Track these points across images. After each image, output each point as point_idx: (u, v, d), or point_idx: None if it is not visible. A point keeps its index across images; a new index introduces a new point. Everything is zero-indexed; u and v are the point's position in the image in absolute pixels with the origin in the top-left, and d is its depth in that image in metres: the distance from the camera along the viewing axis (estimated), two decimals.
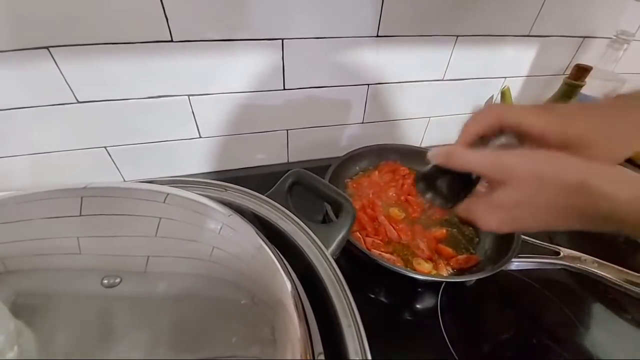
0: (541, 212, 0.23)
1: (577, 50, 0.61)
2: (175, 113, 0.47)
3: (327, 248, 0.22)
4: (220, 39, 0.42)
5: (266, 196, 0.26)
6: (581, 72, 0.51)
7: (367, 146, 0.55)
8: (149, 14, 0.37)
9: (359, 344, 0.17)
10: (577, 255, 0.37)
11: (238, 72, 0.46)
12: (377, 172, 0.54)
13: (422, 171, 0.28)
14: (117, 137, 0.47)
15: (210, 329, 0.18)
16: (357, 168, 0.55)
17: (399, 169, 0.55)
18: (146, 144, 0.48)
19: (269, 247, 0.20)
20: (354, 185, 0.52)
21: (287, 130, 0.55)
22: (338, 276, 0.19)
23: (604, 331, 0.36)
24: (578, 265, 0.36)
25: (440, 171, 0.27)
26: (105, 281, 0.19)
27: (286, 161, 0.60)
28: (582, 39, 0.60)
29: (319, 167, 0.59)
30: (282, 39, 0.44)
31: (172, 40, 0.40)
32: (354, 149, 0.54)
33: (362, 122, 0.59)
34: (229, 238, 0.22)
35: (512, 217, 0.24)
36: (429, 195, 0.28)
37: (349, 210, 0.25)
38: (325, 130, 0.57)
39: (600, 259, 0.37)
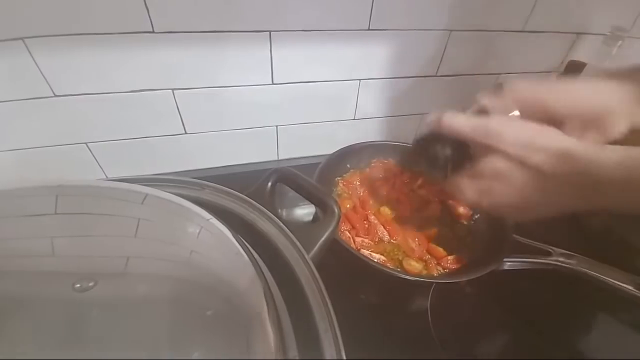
0: (523, 184, 0.22)
1: (571, 47, 0.61)
2: (159, 108, 0.45)
3: (309, 250, 0.21)
4: (204, 30, 0.40)
5: (247, 195, 0.25)
6: (575, 68, 0.51)
7: (359, 143, 0.54)
8: (128, 3, 0.36)
9: (335, 348, 0.16)
10: (569, 255, 0.36)
11: (224, 65, 0.44)
12: (368, 170, 0.53)
13: (416, 137, 0.28)
14: (98, 132, 0.45)
15: (182, 337, 0.17)
16: (349, 166, 0.54)
17: (391, 167, 0.54)
18: (128, 140, 0.47)
19: (246, 252, 0.19)
20: (345, 183, 0.51)
21: (276, 126, 0.54)
22: (317, 280, 0.18)
23: (596, 331, 0.36)
24: (570, 265, 0.35)
25: (435, 140, 0.26)
26: (78, 285, 0.18)
27: (276, 158, 0.58)
28: (576, 35, 0.59)
29: (310, 164, 0.57)
30: (270, 31, 0.43)
31: (153, 32, 0.38)
32: (345, 145, 0.53)
33: (354, 119, 0.57)
34: (206, 243, 0.21)
35: (492, 189, 0.23)
36: (417, 164, 0.29)
37: (333, 211, 0.24)
38: (316, 127, 0.56)
39: (593, 258, 0.36)
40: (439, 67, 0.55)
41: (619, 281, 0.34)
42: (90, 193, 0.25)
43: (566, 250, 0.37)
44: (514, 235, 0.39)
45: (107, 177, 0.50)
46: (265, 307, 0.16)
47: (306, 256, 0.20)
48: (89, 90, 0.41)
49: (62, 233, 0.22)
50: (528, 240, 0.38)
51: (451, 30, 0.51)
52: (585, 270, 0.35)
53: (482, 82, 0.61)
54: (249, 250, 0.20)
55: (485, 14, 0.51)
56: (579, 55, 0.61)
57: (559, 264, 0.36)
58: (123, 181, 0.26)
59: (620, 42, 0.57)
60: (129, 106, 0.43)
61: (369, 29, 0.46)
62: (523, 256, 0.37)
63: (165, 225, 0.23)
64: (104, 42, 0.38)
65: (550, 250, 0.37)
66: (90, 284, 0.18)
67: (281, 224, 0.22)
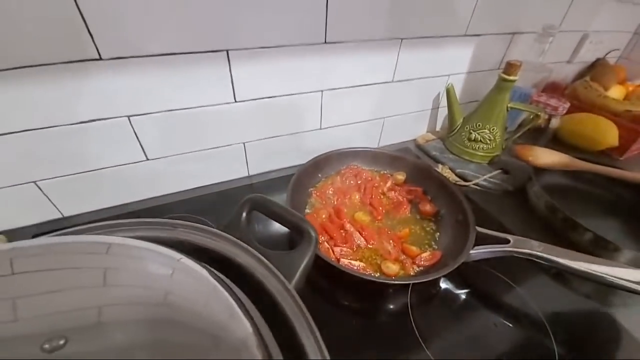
0: None
1: (508, 46, 0.67)
2: (115, 136, 0.42)
3: (290, 278, 0.22)
4: (156, 54, 0.39)
5: (223, 228, 0.25)
6: (512, 67, 0.56)
7: (327, 152, 0.55)
8: (69, 30, 0.33)
9: None
10: (525, 240, 0.40)
11: (182, 87, 0.43)
12: (339, 178, 0.55)
13: None
14: (48, 169, 0.41)
15: None
16: (320, 175, 0.55)
17: (360, 173, 0.56)
18: (82, 173, 0.43)
19: (224, 287, 0.19)
20: (318, 193, 0.52)
21: (243, 143, 0.53)
22: (302, 309, 0.19)
23: (555, 305, 0.40)
24: (527, 250, 0.39)
25: None
26: (47, 345, 0.17)
27: (247, 174, 0.58)
28: (511, 35, 0.65)
29: (282, 177, 0.58)
30: (227, 50, 0.42)
31: (100, 59, 0.36)
32: (315, 155, 0.54)
33: (320, 129, 0.58)
34: (179, 283, 0.21)
35: None
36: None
37: (310, 235, 0.24)
38: (284, 140, 0.56)
39: (545, 239, 0.40)
40: (394, 73, 0.58)
41: (568, 259, 0.38)
42: (48, 250, 0.23)
43: (521, 236, 0.41)
44: (477, 228, 0.42)
45: (63, 215, 0.46)
46: (253, 340, 0.16)
47: (288, 285, 0.20)
48: (33, 125, 0.37)
49: (22, 293, 0.21)
50: (488, 231, 0.42)
51: (402, 39, 0.53)
52: (539, 253, 0.38)
53: (435, 84, 0.65)
54: (227, 285, 0.20)
55: (431, 22, 0.54)
56: (516, 54, 0.67)
57: (517, 249, 0.39)
58: (88, 230, 0.24)
59: (551, 38, 0.64)
60: (79, 138, 0.40)
61: (325, 42, 0.47)
62: (485, 246, 0.40)
63: (134, 272, 0.22)
64: (46, 73, 0.35)
65: (508, 239, 0.40)
66: (61, 342, 0.17)
67: (259, 256, 0.22)
